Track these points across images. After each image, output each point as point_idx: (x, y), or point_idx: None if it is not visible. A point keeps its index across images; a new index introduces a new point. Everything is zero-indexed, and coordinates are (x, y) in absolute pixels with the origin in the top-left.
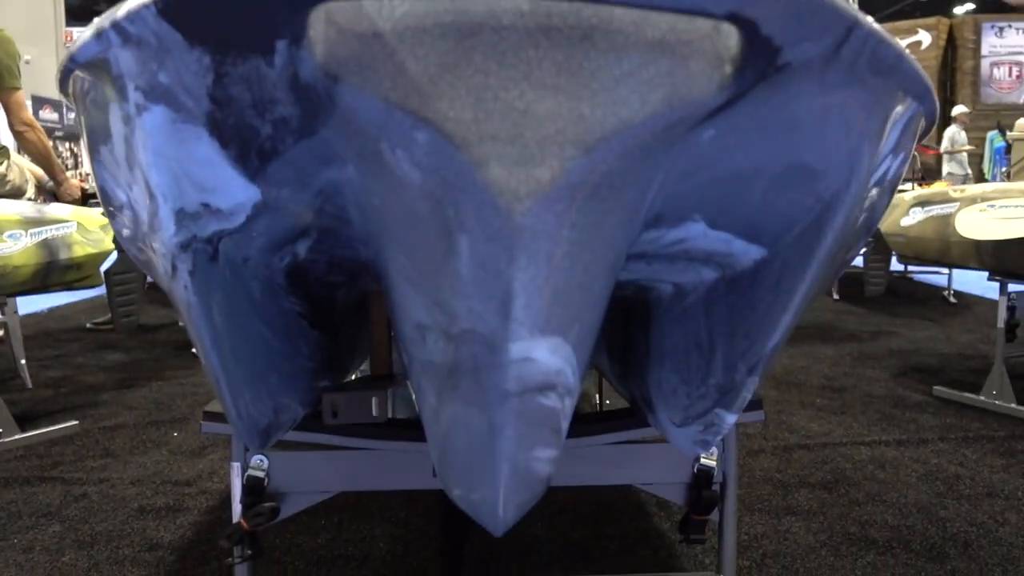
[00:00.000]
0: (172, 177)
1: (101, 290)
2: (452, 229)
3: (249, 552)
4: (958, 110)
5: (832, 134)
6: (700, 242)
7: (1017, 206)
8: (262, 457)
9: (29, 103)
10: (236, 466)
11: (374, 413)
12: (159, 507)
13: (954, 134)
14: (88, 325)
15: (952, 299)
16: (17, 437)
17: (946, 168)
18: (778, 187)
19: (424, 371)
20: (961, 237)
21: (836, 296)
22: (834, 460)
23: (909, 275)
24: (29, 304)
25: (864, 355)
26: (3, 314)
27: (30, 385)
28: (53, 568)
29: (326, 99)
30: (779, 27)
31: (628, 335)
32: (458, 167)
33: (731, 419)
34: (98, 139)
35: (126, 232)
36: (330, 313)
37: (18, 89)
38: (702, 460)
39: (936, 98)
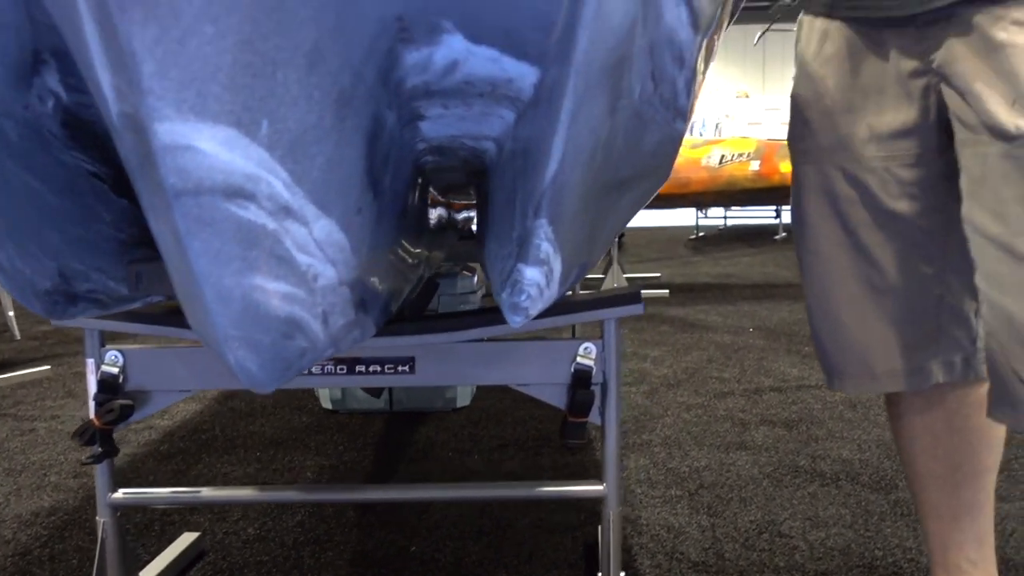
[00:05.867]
0: None
1: None
2: None
3: (100, 451)
4: None
5: None
6: (473, 66)
7: None
8: (116, 353)
9: None
10: (90, 362)
11: None
12: None
13: None
14: None
15: None
16: None
17: None
18: None
19: (134, 183)
20: None
21: None
22: (804, 401)
23: None
24: None
25: None
26: None
27: (18, 336)
28: None
29: None
30: None
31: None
32: None
33: (529, 273)
34: None
35: None
36: None
37: None
38: (579, 360)
39: None
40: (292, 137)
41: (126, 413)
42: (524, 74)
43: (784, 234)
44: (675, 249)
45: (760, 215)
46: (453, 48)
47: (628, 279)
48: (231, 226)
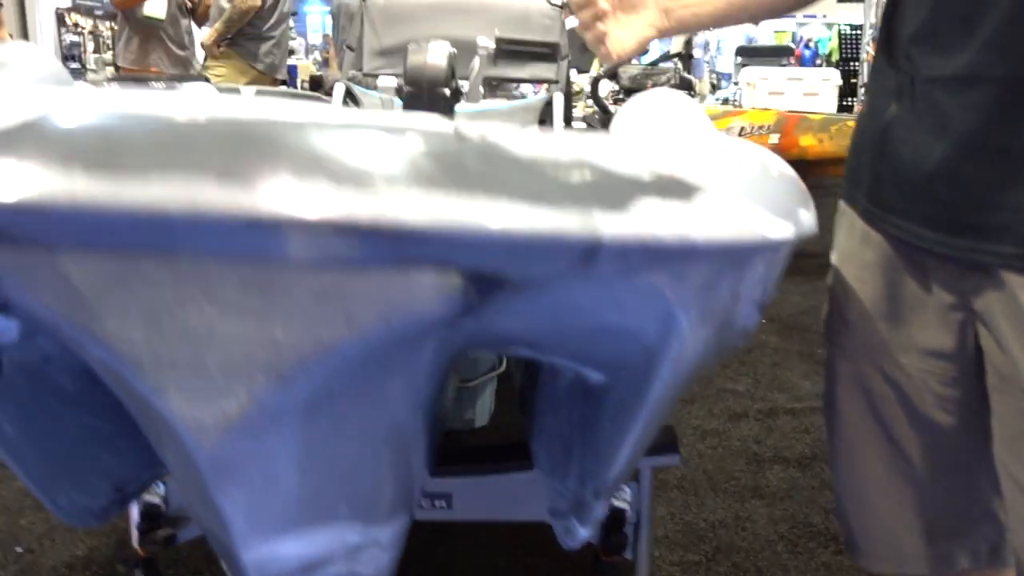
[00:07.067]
0: None
1: None
2: (160, 441)
3: None
4: None
5: (628, 309)
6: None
7: None
8: (157, 483)
9: None
10: None
11: None
12: None
13: None
14: None
15: None
16: None
17: None
18: (593, 341)
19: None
20: None
21: None
22: (817, 429)
23: None
24: None
25: None
26: None
27: None
28: (10, 529)
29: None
30: (490, 265)
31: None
32: (140, 391)
33: (583, 533)
34: None
35: None
36: None
37: None
38: (615, 502)
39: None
40: (364, 501)
41: (169, 541)
42: (590, 374)
43: None
44: None
45: None
46: (520, 352)
47: None
48: None
